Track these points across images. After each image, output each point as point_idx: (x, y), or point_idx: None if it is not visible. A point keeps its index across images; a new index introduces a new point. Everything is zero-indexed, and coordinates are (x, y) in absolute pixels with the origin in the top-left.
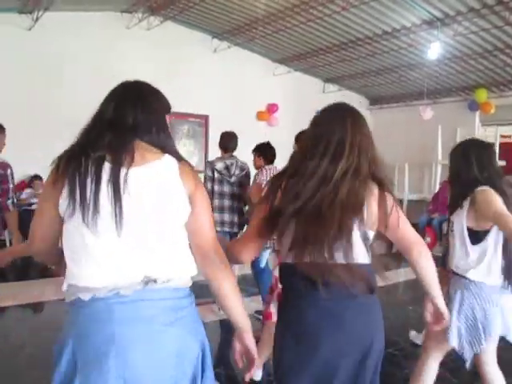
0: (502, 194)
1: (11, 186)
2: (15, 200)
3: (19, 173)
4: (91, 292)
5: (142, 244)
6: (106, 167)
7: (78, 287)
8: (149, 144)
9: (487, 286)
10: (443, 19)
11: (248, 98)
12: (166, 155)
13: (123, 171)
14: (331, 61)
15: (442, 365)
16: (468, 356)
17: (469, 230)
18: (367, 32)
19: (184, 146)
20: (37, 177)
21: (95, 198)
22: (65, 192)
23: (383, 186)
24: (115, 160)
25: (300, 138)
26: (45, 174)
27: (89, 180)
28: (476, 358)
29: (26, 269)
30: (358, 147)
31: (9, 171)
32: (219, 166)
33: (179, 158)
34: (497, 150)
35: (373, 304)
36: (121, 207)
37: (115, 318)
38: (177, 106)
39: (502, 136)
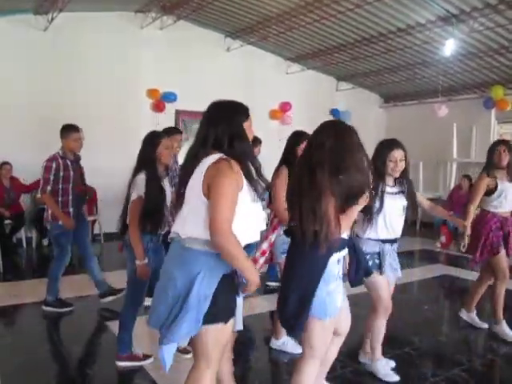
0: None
1: (40, 176)
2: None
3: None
4: None
5: (182, 213)
6: None
7: None
8: (219, 152)
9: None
10: (458, 15)
11: (261, 96)
12: (213, 155)
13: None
14: (345, 59)
15: (458, 365)
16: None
17: None
18: (381, 29)
19: None
20: None
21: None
22: None
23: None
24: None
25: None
26: None
27: None
28: None
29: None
30: None
31: (44, 163)
32: None
33: (222, 158)
34: None
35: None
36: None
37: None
38: (190, 104)
39: None
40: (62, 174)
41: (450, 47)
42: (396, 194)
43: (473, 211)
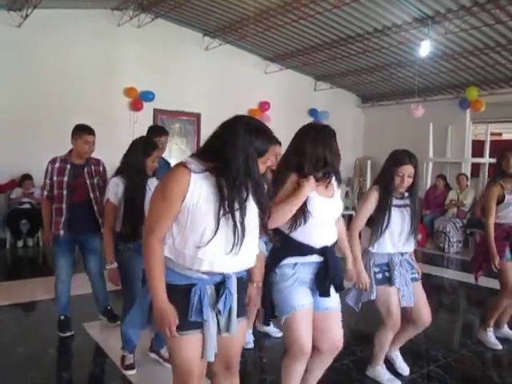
0: None
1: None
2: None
3: (8, 173)
4: None
5: None
6: None
7: None
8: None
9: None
10: (434, 17)
11: (240, 95)
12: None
13: None
14: (323, 59)
15: (434, 361)
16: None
17: None
18: (358, 30)
19: (176, 145)
20: (27, 176)
21: None
22: None
23: None
24: None
25: None
26: (35, 174)
27: None
28: None
29: (18, 268)
30: None
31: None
32: None
33: (180, 161)
34: (487, 148)
35: None
36: None
37: None
38: (168, 104)
39: (493, 134)
40: (55, 178)
41: (425, 48)
42: (403, 206)
43: (492, 225)
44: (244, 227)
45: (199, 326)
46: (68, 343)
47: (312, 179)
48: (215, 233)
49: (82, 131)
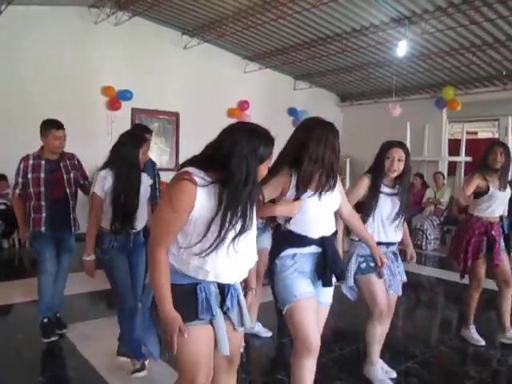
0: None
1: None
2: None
3: None
4: None
5: None
6: None
7: None
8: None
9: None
10: (411, 17)
11: (219, 95)
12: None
13: None
14: (301, 58)
15: (412, 358)
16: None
17: None
18: (336, 29)
19: (155, 144)
20: (2, 177)
21: None
22: None
23: None
24: None
25: None
26: (9, 174)
27: None
28: None
29: None
30: None
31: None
32: None
33: (179, 173)
34: (463, 147)
35: None
36: None
37: None
38: (147, 103)
39: (469, 132)
40: (30, 175)
41: (402, 48)
42: (393, 195)
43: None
44: (246, 237)
45: (208, 321)
46: (46, 347)
47: (298, 205)
48: (219, 243)
49: (51, 126)
